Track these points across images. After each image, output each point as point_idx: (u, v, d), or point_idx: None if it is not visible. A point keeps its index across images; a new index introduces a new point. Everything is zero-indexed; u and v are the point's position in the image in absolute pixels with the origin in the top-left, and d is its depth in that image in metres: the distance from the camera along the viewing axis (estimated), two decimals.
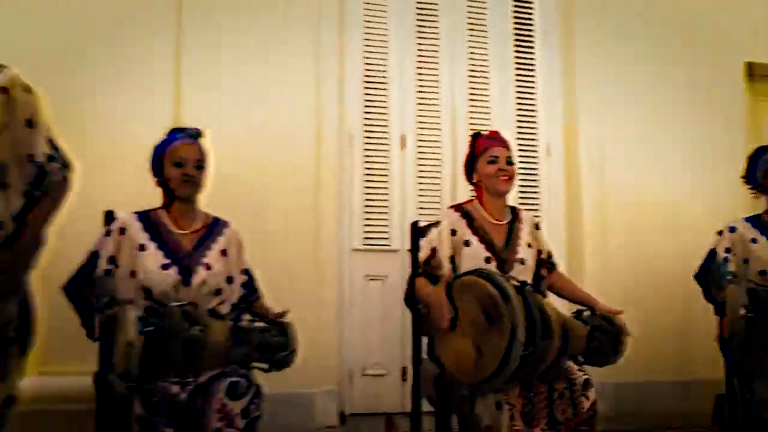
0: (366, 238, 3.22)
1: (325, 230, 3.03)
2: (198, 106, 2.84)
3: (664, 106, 3.43)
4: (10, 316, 1.49)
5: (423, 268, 2.00)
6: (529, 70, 3.53)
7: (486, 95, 3.45)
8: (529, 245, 2.12)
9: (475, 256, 2.01)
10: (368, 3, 3.32)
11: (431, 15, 3.41)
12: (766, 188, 2.39)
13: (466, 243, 2.03)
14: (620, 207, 3.30)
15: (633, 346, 3.09)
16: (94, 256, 1.82)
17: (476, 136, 2.21)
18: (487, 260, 2.01)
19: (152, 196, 1.94)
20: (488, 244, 2.05)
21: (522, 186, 3.37)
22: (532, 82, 3.54)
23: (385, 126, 3.31)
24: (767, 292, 2.20)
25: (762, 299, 2.15)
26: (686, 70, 3.48)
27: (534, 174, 3.48)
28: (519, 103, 3.50)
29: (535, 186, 3.47)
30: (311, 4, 3.11)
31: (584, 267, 3.25)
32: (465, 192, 2.85)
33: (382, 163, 3.28)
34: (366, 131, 3.29)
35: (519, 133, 3.47)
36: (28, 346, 1.58)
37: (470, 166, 2.17)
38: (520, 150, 3.41)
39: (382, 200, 3.26)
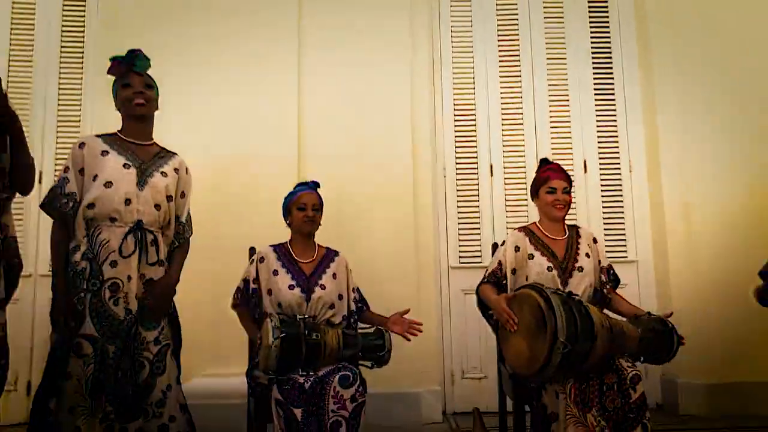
0: (461, 256, 3.66)
1: (425, 251, 3.52)
2: (314, 159, 3.47)
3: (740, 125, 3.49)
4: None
5: (489, 278, 2.44)
6: (608, 93, 3.77)
7: (567, 120, 3.75)
8: (587, 255, 2.46)
9: (538, 265, 2.40)
10: (456, 44, 3.79)
11: (512, 51, 3.78)
12: None
13: (530, 256, 2.43)
14: (704, 218, 3.41)
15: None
16: (246, 282, 2.48)
17: (542, 164, 2.60)
18: (549, 269, 2.39)
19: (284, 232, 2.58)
20: (550, 256, 2.42)
21: (606, 201, 3.65)
22: (612, 101, 3.77)
23: (474, 156, 3.74)
24: None
25: None
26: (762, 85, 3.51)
27: (617, 190, 3.71)
28: (599, 125, 3.75)
29: (619, 201, 3.70)
30: (406, 44, 3.62)
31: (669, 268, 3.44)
32: None
33: (472, 190, 3.71)
34: (458, 162, 3.74)
35: (600, 152, 3.71)
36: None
37: (534, 191, 2.56)
38: (602, 168, 3.68)
39: (474, 223, 3.68)
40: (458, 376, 3.55)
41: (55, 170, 3.51)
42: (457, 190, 3.73)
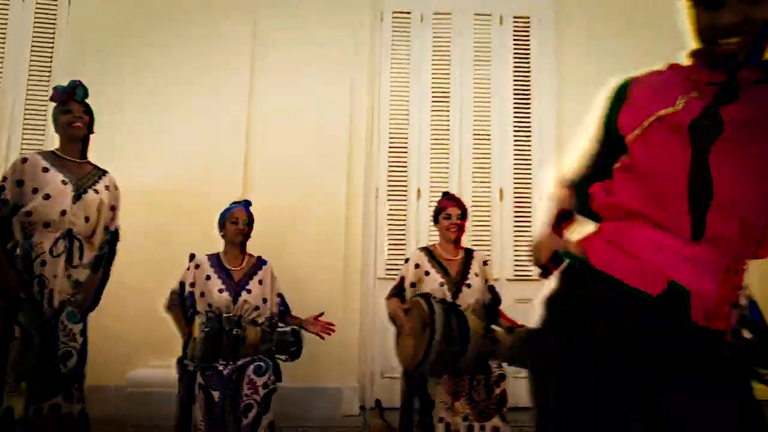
0: (388, 268, 4.09)
1: (353, 262, 3.96)
2: (259, 175, 3.90)
3: None
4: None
5: (393, 292, 2.89)
6: (525, 132, 4.27)
7: (488, 153, 4.24)
8: (477, 274, 2.92)
9: (433, 281, 2.85)
10: (394, 78, 4.25)
11: (444, 91, 4.26)
12: None
13: (427, 273, 2.88)
14: None
15: None
16: (181, 284, 2.87)
17: (443, 196, 3.06)
18: (441, 284, 2.84)
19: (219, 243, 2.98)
20: (444, 273, 2.88)
21: (517, 225, 4.15)
22: (528, 139, 4.27)
23: (405, 180, 4.20)
24: None
25: None
26: None
27: (528, 216, 4.21)
28: (516, 159, 4.25)
29: (529, 225, 4.20)
30: (346, 76, 4.07)
31: None
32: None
33: (401, 210, 4.16)
34: (390, 184, 4.19)
35: (515, 182, 4.22)
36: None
37: (435, 217, 3.02)
38: (515, 197, 4.18)
39: (401, 239, 4.13)
40: (377, 375, 3.97)
41: None
42: (388, 210, 4.17)
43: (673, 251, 1.02)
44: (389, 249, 4.14)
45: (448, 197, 3.02)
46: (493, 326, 2.81)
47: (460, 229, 2.94)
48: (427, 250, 2.97)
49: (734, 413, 1.00)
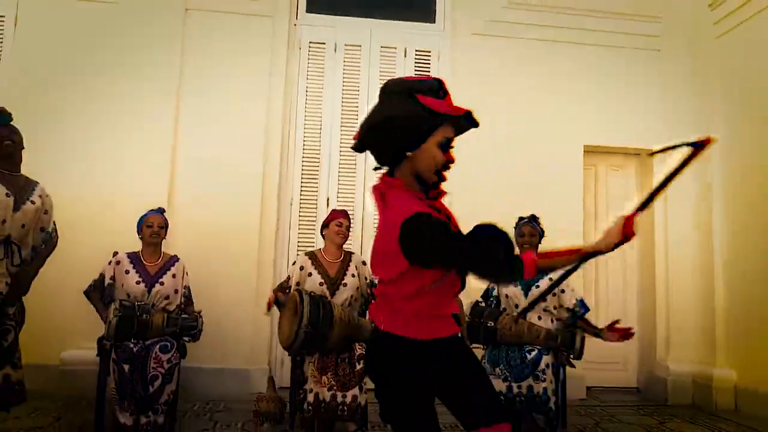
0: None
1: (266, 262, 4.55)
2: (184, 181, 4.46)
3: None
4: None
5: (279, 287, 3.50)
6: None
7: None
8: (353, 275, 3.54)
9: (313, 281, 3.46)
10: (310, 100, 4.86)
11: (353, 113, 4.88)
12: None
13: (309, 274, 3.49)
14: None
15: None
16: (102, 276, 3.41)
17: (332, 210, 3.68)
18: (321, 284, 3.45)
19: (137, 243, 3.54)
20: (324, 275, 3.49)
21: None
22: None
23: (315, 190, 4.81)
24: None
25: None
26: None
27: None
28: None
29: None
30: (263, 91, 4.67)
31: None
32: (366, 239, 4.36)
33: (312, 217, 4.77)
34: (303, 194, 4.79)
35: None
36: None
37: (325, 225, 3.62)
38: None
39: (311, 241, 4.73)
40: (287, 359, 4.57)
41: None
42: (299, 217, 4.77)
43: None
44: (299, 248, 4.74)
45: (338, 211, 3.64)
46: (363, 319, 3.44)
47: (346, 236, 3.57)
48: (312, 254, 3.59)
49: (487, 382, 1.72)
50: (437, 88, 1.68)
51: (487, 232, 1.57)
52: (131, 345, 3.18)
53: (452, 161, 1.69)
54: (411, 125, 1.65)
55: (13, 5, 4.53)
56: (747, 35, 4.50)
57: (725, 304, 4.56)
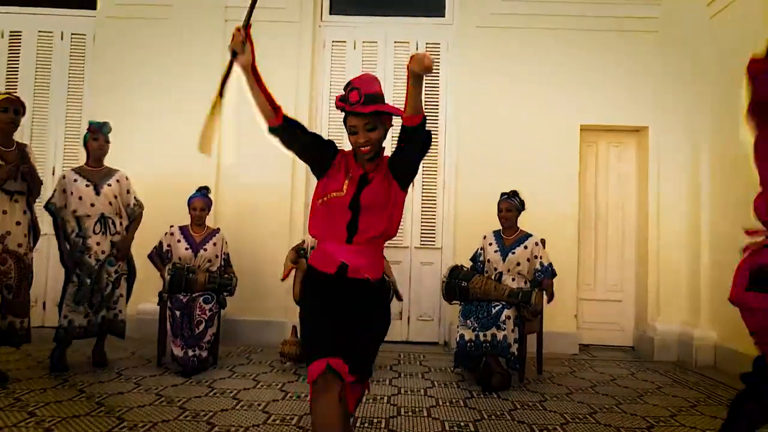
0: None
1: (297, 240, 5.39)
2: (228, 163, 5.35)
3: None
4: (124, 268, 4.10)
5: (295, 248, 4.32)
6: (435, 138, 5.54)
7: None
8: None
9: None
10: (333, 88, 5.56)
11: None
12: None
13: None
14: (470, 225, 5.23)
15: None
16: (160, 244, 4.37)
17: None
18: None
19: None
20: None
21: (425, 209, 5.47)
22: (435, 145, 5.55)
23: None
24: None
25: None
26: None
27: (433, 203, 5.52)
28: (427, 159, 5.54)
29: (434, 209, 5.51)
30: (292, 84, 5.43)
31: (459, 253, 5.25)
32: None
33: None
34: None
35: (423, 175, 5.52)
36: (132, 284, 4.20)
37: None
38: (423, 187, 5.49)
39: None
40: None
41: None
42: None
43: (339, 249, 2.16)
44: None
45: None
46: None
47: None
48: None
49: (386, 317, 2.21)
50: (345, 88, 2.05)
51: None
52: (181, 297, 4.12)
53: (359, 143, 2.01)
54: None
55: (91, 27, 5.57)
56: (738, 14, 4.71)
57: (710, 272, 4.90)
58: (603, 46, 5.37)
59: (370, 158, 2.05)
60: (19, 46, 5.66)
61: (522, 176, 5.15)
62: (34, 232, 3.80)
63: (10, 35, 5.68)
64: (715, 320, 4.84)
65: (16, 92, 5.47)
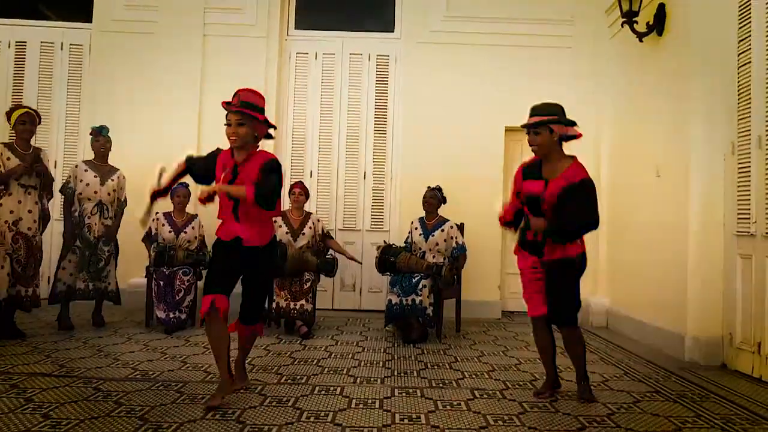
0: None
1: None
2: None
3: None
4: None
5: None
6: (382, 136, 6.49)
7: (356, 149, 6.48)
8: (310, 228, 5.25)
9: (282, 232, 5.20)
10: (297, 94, 6.51)
11: (329, 105, 6.49)
12: None
13: (280, 226, 5.22)
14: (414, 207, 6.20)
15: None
16: (150, 229, 5.31)
17: (295, 183, 5.38)
18: (287, 233, 5.19)
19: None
20: (289, 227, 5.22)
21: (375, 196, 6.43)
22: (384, 143, 6.49)
23: (301, 166, 6.50)
24: None
25: None
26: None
27: (382, 190, 6.48)
28: (375, 149, 6.49)
29: (381, 197, 6.47)
30: (262, 90, 6.36)
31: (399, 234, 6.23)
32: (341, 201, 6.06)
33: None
34: (291, 170, 6.51)
35: (374, 166, 6.47)
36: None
37: (291, 193, 5.34)
38: (374, 177, 6.45)
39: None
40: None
41: None
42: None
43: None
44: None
45: (298, 183, 5.33)
46: (310, 255, 5.15)
47: (302, 202, 5.26)
48: (284, 214, 5.31)
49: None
50: (233, 96, 2.95)
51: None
52: (164, 270, 5.08)
53: (228, 134, 2.93)
54: None
55: (88, 38, 6.47)
56: (627, 37, 5.64)
57: (607, 251, 5.91)
58: (526, 59, 6.30)
59: (237, 147, 2.93)
60: (24, 55, 6.54)
61: (455, 169, 6.11)
62: (43, 219, 4.73)
63: (16, 45, 6.55)
64: (607, 289, 5.86)
65: (21, 95, 6.43)
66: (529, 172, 3.31)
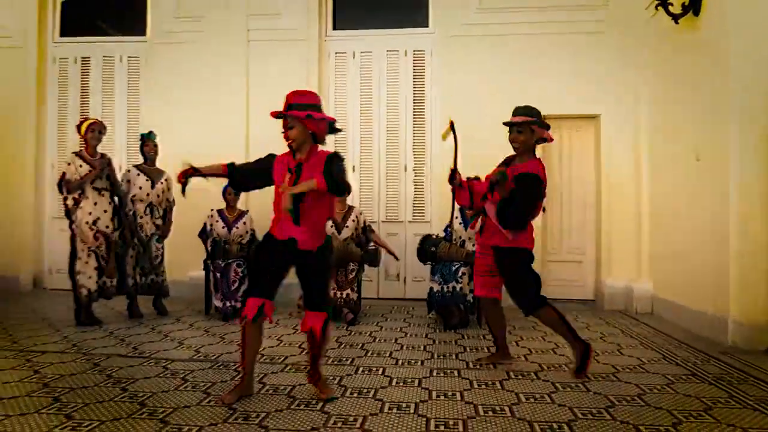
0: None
1: None
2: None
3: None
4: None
5: None
6: (421, 131, 6.68)
7: (396, 142, 6.70)
8: (353, 221, 5.52)
9: (327, 226, 5.47)
10: (338, 91, 6.79)
11: (368, 100, 6.73)
12: None
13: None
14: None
15: None
16: (204, 225, 5.71)
17: None
18: (332, 226, 5.47)
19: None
20: (333, 221, 5.50)
21: (417, 187, 6.64)
22: (423, 137, 6.68)
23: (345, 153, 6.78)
24: None
25: None
26: None
27: (422, 182, 6.68)
28: (416, 142, 6.69)
29: (423, 188, 6.67)
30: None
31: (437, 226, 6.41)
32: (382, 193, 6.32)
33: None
34: None
35: (415, 159, 6.68)
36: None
37: None
38: (415, 169, 6.65)
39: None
40: None
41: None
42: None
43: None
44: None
45: None
46: (354, 247, 5.42)
47: (344, 200, 5.53)
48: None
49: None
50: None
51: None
52: (220, 262, 5.46)
53: (287, 139, 3.01)
54: None
55: (144, 51, 6.95)
56: (662, 19, 5.60)
57: (649, 237, 5.91)
58: (560, 46, 6.33)
59: (295, 148, 2.99)
60: (89, 69, 7.08)
61: (494, 159, 6.20)
62: (118, 218, 5.19)
63: (82, 61, 7.11)
64: (652, 275, 5.86)
65: (88, 106, 6.96)
66: (503, 162, 3.86)
